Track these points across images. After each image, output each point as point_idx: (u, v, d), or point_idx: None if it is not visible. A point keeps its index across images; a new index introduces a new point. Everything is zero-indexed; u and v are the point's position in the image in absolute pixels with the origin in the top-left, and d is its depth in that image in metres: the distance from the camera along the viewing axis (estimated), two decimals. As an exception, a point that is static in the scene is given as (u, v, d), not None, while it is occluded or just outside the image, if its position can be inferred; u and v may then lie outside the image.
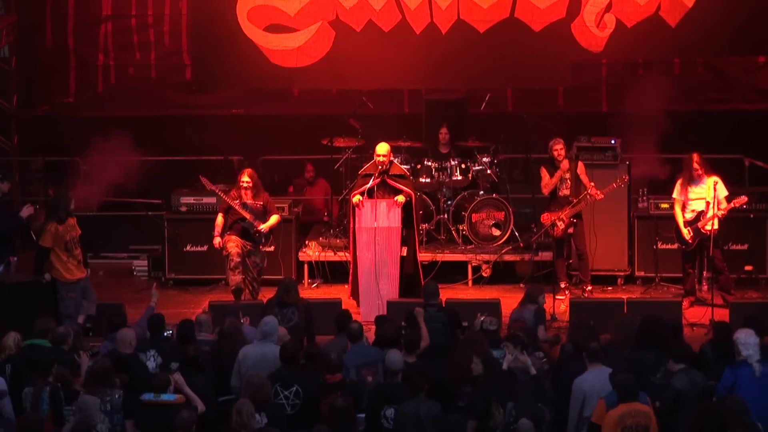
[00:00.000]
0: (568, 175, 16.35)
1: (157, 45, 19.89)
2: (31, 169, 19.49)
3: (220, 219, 15.68)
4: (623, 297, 15.68)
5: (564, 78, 18.83)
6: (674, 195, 15.92)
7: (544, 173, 16.44)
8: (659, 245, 16.84)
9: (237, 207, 15.57)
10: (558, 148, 16.37)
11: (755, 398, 10.97)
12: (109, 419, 11.09)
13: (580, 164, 16.46)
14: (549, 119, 18.66)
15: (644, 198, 17.16)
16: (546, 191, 16.43)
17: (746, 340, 11.37)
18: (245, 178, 15.67)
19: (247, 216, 15.58)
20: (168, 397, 11.14)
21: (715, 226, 15.46)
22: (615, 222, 16.90)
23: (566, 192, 16.35)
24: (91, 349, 12.74)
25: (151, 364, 12.33)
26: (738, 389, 11.14)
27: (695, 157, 15.73)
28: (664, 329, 12.28)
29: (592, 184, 16.20)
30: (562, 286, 16.30)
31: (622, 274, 17.06)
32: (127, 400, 11.21)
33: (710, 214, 15.50)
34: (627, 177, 16.49)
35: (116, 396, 11.17)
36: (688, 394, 11.24)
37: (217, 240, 15.63)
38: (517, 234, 17.41)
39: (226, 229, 15.64)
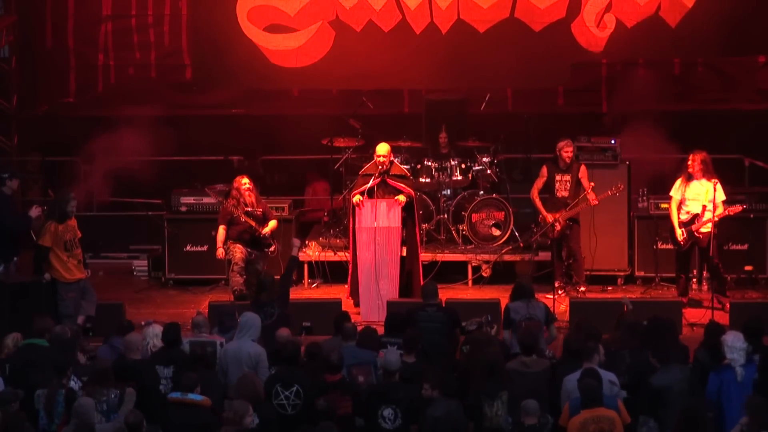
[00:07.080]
0: (567, 177, 16.31)
1: (157, 45, 19.88)
2: (27, 169, 19.46)
3: (222, 231, 15.63)
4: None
5: (564, 78, 18.83)
6: (671, 192, 15.86)
7: (544, 172, 16.39)
8: (659, 245, 16.82)
9: (241, 215, 15.55)
10: (568, 151, 16.23)
11: (739, 403, 10.70)
12: (105, 419, 11.07)
13: (583, 167, 16.34)
14: (549, 119, 18.68)
15: (644, 198, 17.14)
16: (534, 193, 16.36)
17: (733, 343, 11.07)
18: (245, 181, 15.66)
19: (252, 223, 15.57)
20: (195, 396, 11.13)
21: (711, 230, 15.39)
22: (615, 222, 16.89)
23: (564, 194, 16.28)
24: (91, 351, 12.68)
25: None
26: (723, 393, 10.95)
27: (692, 155, 15.64)
28: (669, 332, 12.11)
29: (593, 184, 16.15)
30: (556, 285, 16.24)
31: (622, 274, 17.04)
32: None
33: (707, 217, 15.40)
34: (623, 186, 16.31)
35: (112, 396, 11.17)
36: (671, 393, 11.04)
37: (220, 251, 15.61)
38: (517, 234, 17.39)
39: (228, 239, 15.63)
